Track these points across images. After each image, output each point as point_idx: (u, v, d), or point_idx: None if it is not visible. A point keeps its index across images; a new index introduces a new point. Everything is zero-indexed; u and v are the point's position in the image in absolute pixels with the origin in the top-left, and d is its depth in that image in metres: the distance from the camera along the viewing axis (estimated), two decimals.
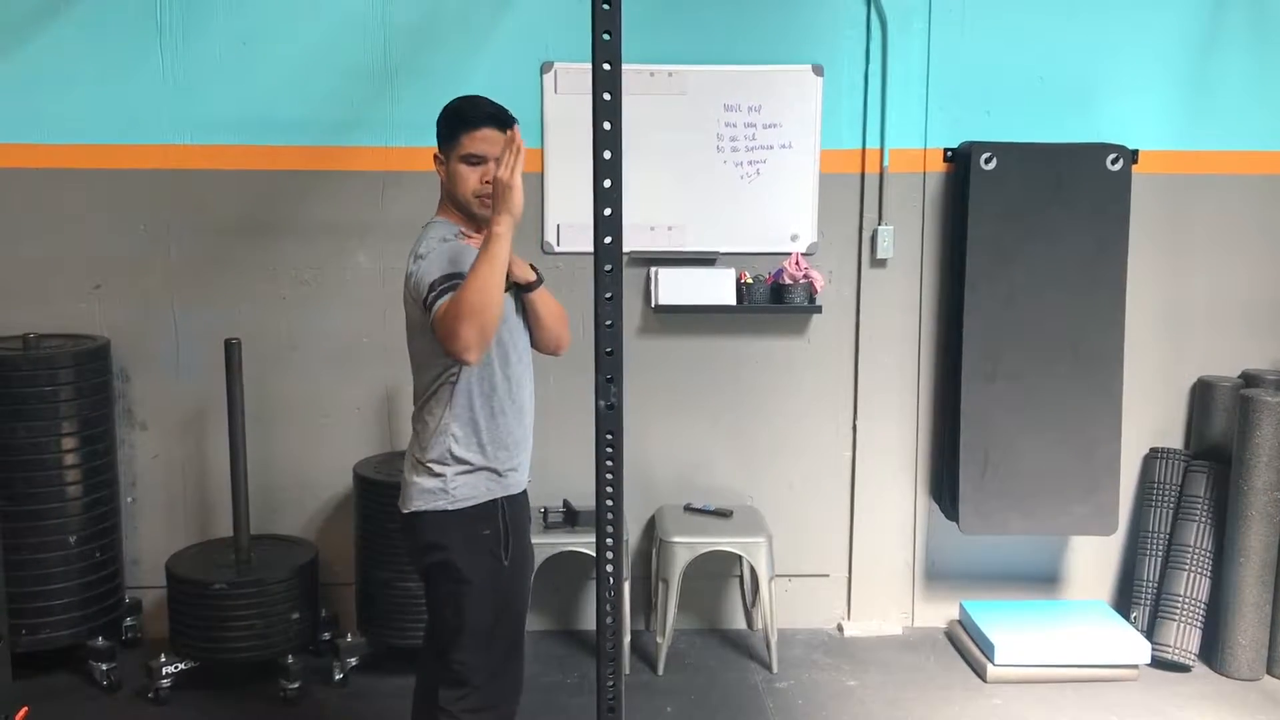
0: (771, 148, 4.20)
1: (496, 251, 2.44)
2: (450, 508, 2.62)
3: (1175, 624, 4.12)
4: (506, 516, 2.66)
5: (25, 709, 3.32)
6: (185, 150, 4.08)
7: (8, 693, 3.05)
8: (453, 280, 2.50)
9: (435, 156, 2.70)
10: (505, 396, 2.66)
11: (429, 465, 2.63)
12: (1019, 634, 4.07)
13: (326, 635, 4.08)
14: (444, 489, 2.62)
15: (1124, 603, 4.39)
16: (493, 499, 2.65)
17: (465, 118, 2.65)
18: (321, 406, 4.25)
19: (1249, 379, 4.31)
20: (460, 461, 2.62)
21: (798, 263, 4.19)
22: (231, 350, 3.86)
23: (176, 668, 3.80)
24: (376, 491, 3.89)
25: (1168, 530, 4.28)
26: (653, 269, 4.22)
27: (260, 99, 4.07)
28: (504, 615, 2.68)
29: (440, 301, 2.49)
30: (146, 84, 4.03)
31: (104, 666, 3.87)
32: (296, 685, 3.79)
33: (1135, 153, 4.18)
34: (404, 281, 2.65)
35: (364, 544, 3.97)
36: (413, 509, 2.65)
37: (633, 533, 4.36)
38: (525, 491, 2.77)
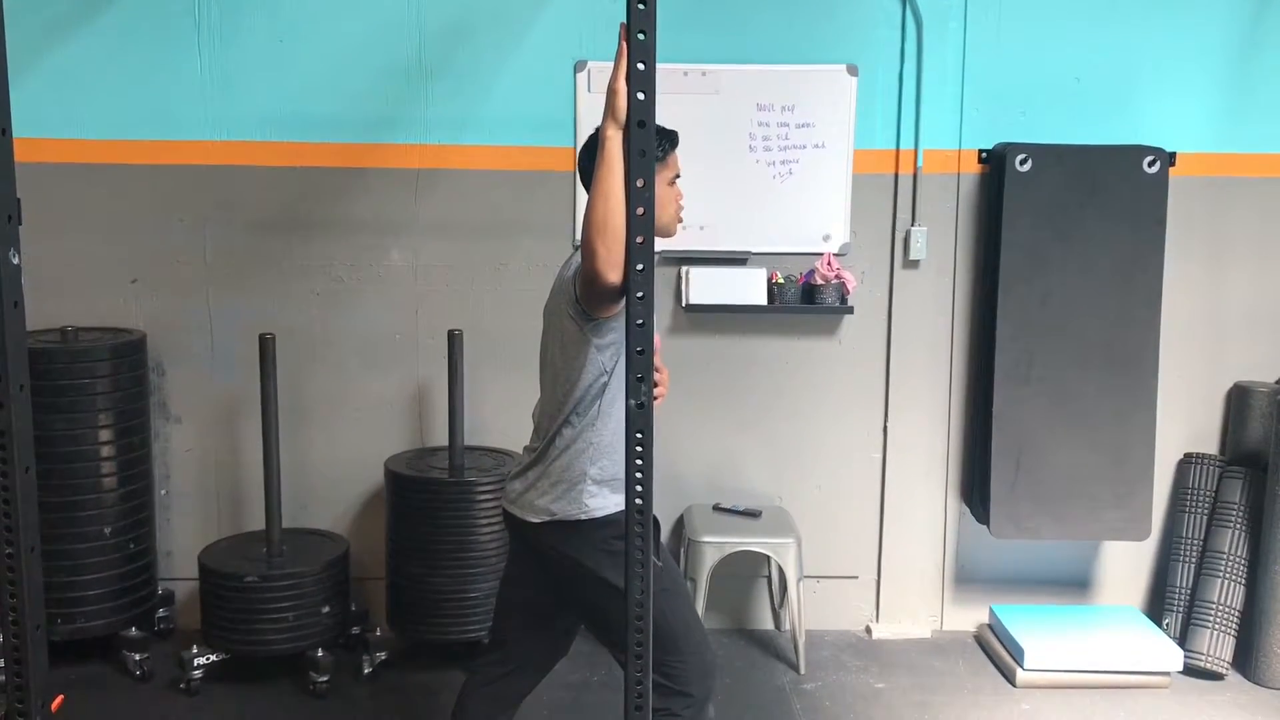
0: (804, 147, 4.18)
1: (611, 155, 2.28)
2: (583, 517, 2.62)
3: (1209, 631, 4.08)
4: None
5: (61, 697, 3.36)
6: (222, 146, 4.11)
7: (43, 681, 3.09)
8: None
9: None
10: None
11: (565, 476, 2.62)
12: (1049, 639, 4.04)
13: (356, 629, 4.11)
14: (580, 499, 2.62)
15: (1156, 609, 4.35)
16: (621, 510, 2.62)
17: (673, 137, 2.61)
18: (354, 402, 4.27)
19: None
20: (599, 473, 2.61)
21: (829, 263, 4.17)
22: (266, 345, 3.89)
23: (208, 659, 3.84)
24: (408, 487, 3.92)
25: (1202, 536, 4.24)
26: (684, 268, 4.22)
27: (296, 96, 4.10)
28: (679, 610, 2.69)
29: None
30: (184, 81, 4.07)
31: (136, 657, 3.92)
32: (326, 679, 3.82)
33: (1173, 155, 4.13)
34: (558, 296, 2.63)
35: (395, 539, 4.00)
36: (545, 519, 2.64)
37: (661, 532, 4.35)
38: None
